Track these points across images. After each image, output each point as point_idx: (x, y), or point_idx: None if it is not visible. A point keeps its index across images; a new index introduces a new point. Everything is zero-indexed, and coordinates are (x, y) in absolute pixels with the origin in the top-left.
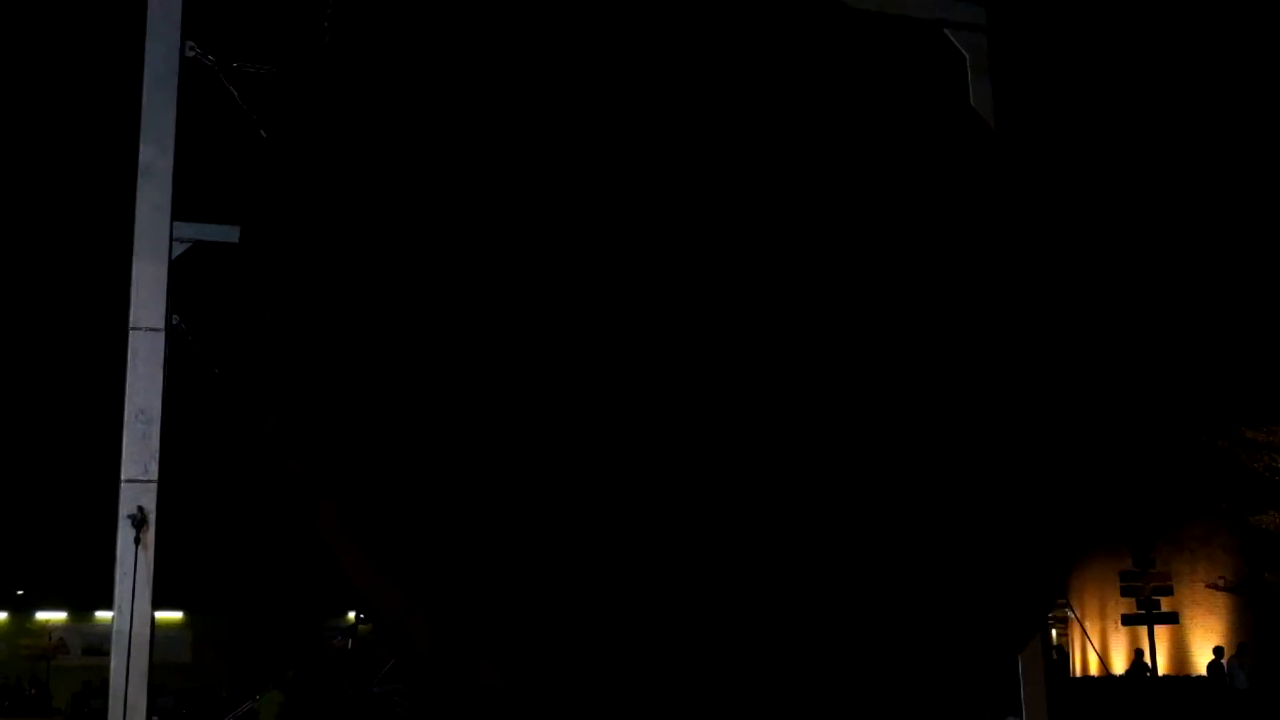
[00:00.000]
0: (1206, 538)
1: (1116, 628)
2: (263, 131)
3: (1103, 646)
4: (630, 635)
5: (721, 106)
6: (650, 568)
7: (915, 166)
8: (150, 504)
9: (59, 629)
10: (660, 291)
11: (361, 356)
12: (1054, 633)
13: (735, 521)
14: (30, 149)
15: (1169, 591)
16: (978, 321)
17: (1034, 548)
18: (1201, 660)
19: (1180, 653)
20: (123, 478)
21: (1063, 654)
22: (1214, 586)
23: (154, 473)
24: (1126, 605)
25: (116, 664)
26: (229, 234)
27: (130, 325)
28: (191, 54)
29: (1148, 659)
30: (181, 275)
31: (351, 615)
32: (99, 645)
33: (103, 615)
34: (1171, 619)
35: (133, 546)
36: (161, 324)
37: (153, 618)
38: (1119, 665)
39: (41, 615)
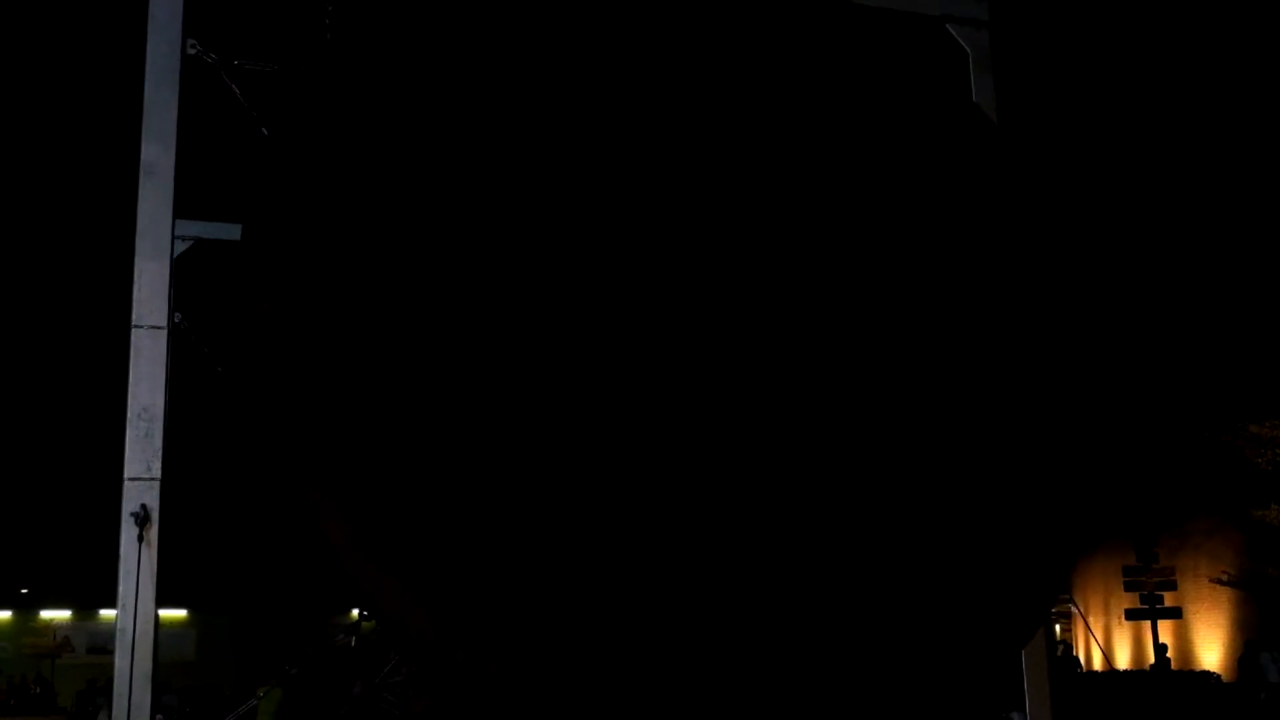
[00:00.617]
0: (1210, 532)
1: (1120, 623)
2: (264, 129)
3: (1106, 642)
4: (634, 633)
5: (723, 104)
6: (653, 565)
7: (917, 162)
8: (153, 502)
9: (63, 627)
10: (662, 289)
11: (363, 353)
12: (1058, 628)
13: (737, 518)
14: (32, 148)
15: (1172, 586)
16: (980, 317)
17: (1037, 543)
18: (1206, 655)
19: (1184, 648)
20: (125, 476)
21: (1069, 649)
22: (1218, 581)
23: (157, 471)
24: (1130, 600)
25: (120, 662)
26: (231, 232)
27: (132, 323)
28: (193, 52)
29: (1151, 654)
30: (184, 273)
31: (355, 612)
32: (103, 644)
33: (106, 614)
34: (1175, 614)
35: (136, 545)
36: (164, 322)
37: (156, 616)
38: (1123, 660)
39: (46, 614)
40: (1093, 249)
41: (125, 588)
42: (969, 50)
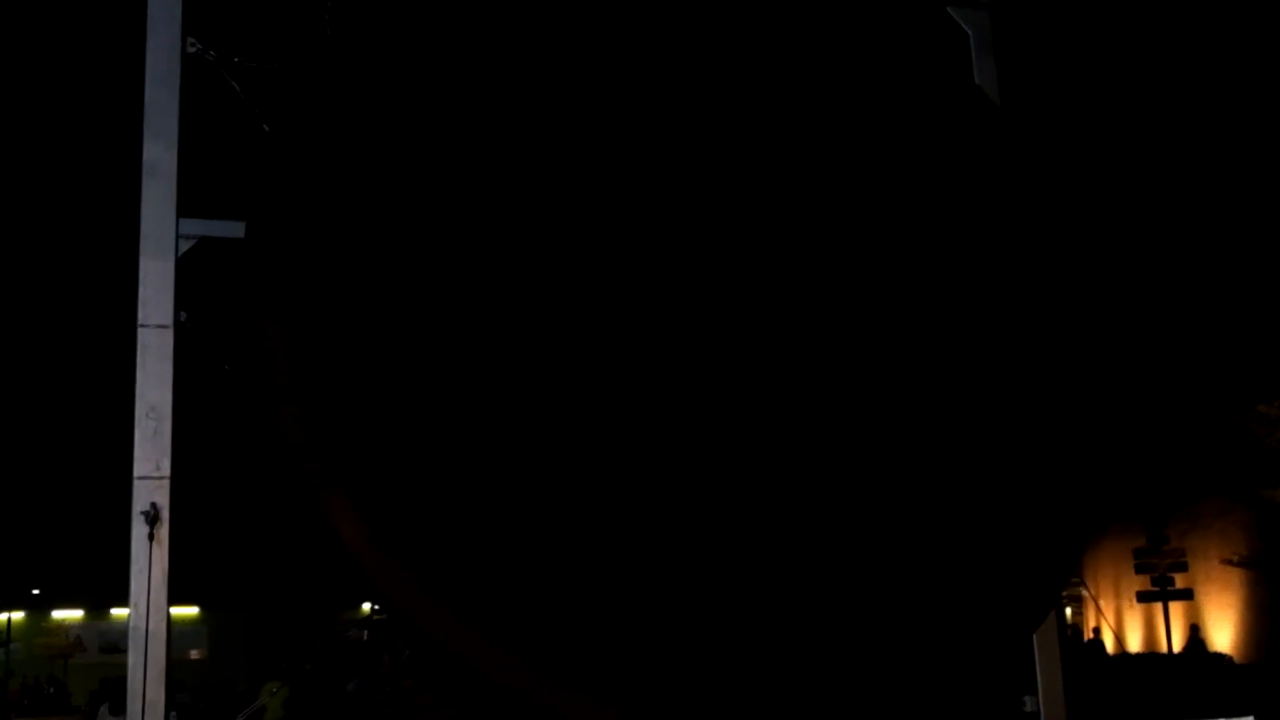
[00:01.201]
0: (1221, 513)
1: (1131, 605)
2: (265, 126)
3: (1117, 624)
4: (652, 630)
5: (722, 89)
6: (671, 561)
7: (919, 145)
8: (163, 500)
9: (76, 627)
10: (665, 278)
11: (371, 350)
12: (1069, 611)
13: (750, 509)
14: (34, 149)
15: (1184, 568)
16: (988, 301)
17: (1048, 526)
18: (1218, 637)
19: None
20: (135, 475)
21: (1078, 631)
22: (1229, 562)
23: (166, 469)
24: (1141, 582)
25: (134, 660)
26: (235, 229)
27: (139, 323)
28: (193, 50)
29: (1163, 636)
30: (189, 272)
31: (366, 607)
32: (116, 642)
33: (119, 613)
34: (1186, 595)
35: (146, 543)
36: (170, 320)
37: (168, 614)
38: (1134, 643)
39: (58, 614)
40: (1098, 231)
41: (136, 586)
42: (970, 32)
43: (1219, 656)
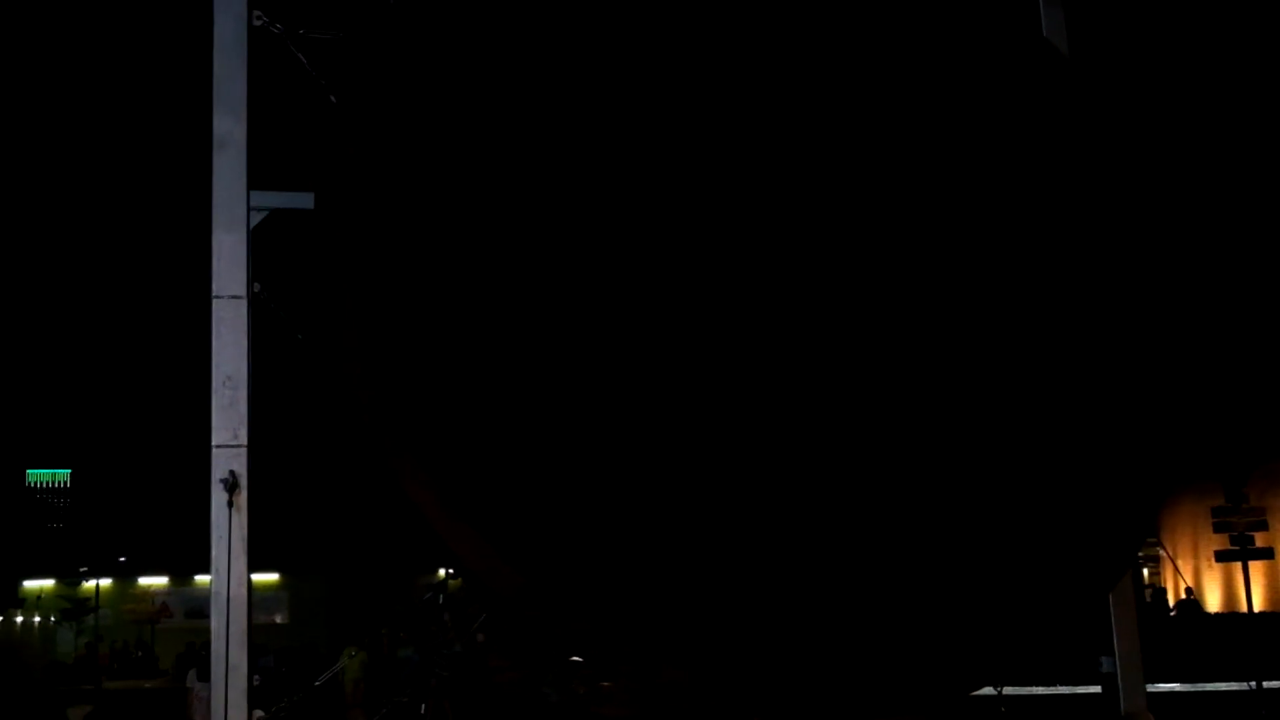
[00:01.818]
0: None
1: (1210, 565)
2: (332, 97)
3: (1196, 584)
4: (718, 589)
5: (791, 48)
6: (737, 523)
7: (989, 98)
8: (241, 468)
9: (161, 593)
10: (735, 238)
11: (442, 318)
12: (1146, 572)
13: (817, 469)
14: (106, 129)
15: (1264, 526)
16: (1060, 260)
17: (1123, 485)
18: None
19: (1277, 588)
20: (213, 444)
21: (1161, 592)
22: None
23: (243, 438)
24: (1219, 542)
25: (216, 625)
26: (306, 201)
27: (213, 294)
28: (259, 23)
29: (1243, 596)
30: (262, 243)
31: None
32: (200, 608)
33: (202, 579)
34: (1267, 554)
35: (226, 510)
36: (243, 291)
37: (249, 579)
38: (1214, 604)
39: (144, 581)
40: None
41: (217, 552)
42: None
43: None
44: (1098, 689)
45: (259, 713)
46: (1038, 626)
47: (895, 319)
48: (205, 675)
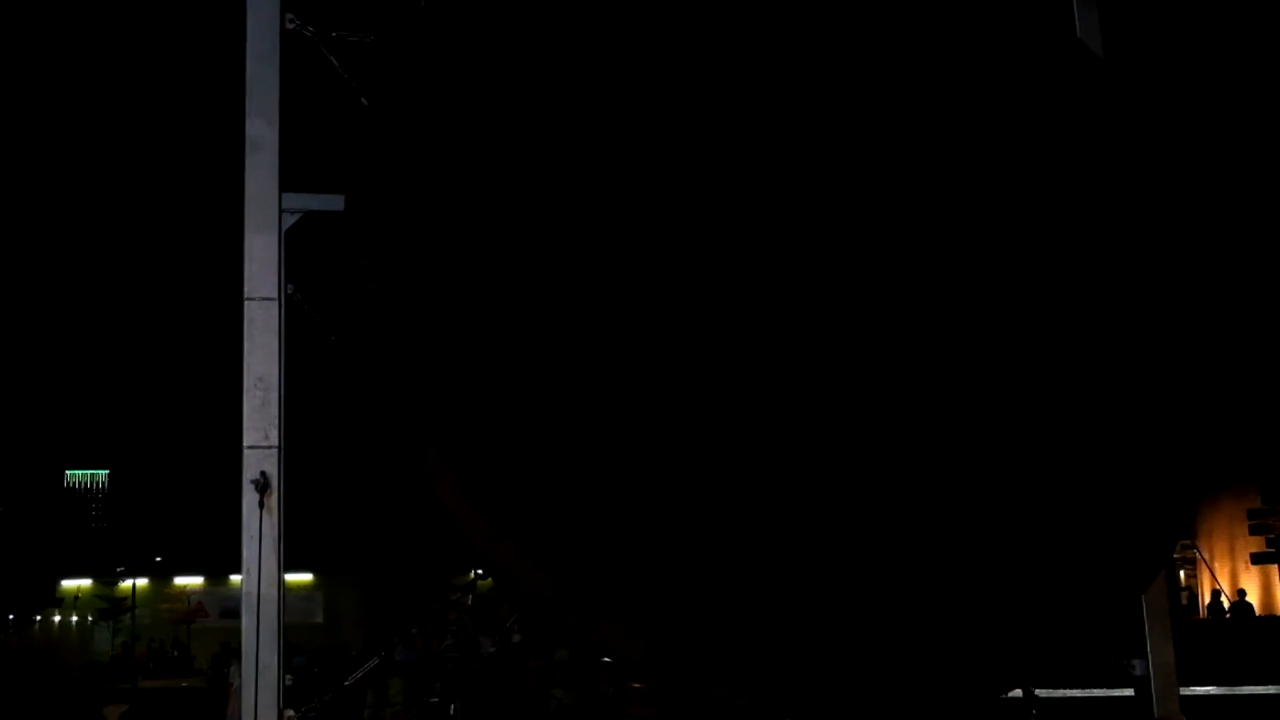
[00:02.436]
0: None
1: (1247, 567)
2: (364, 99)
3: (1232, 588)
4: (751, 594)
5: (826, 51)
6: (770, 526)
7: (1022, 99)
8: (272, 469)
9: (197, 593)
10: (783, 229)
11: (471, 320)
12: (1182, 574)
13: (863, 477)
14: (139, 131)
15: None
16: (1098, 260)
17: (1157, 486)
18: None
19: None
20: (245, 444)
21: (1194, 595)
22: None
23: (275, 439)
24: (1256, 544)
25: (248, 625)
26: (338, 203)
27: (245, 296)
28: (291, 26)
29: (1278, 597)
30: (294, 245)
31: (472, 574)
32: (235, 608)
33: (236, 579)
34: None
35: (257, 511)
36: (275, 293)
37: (281, 579)
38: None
39: (180, 581)
40: (1206, 184)
41: (249, 552)
42: None
43: None
44: (1130, 692)
45: (290, 712)
46: (1070, 628)
47: (930, 319)
48: None
